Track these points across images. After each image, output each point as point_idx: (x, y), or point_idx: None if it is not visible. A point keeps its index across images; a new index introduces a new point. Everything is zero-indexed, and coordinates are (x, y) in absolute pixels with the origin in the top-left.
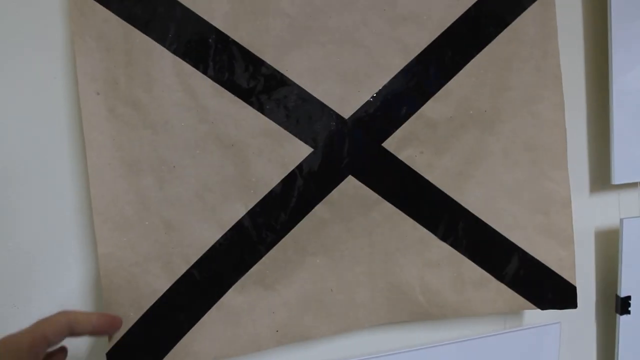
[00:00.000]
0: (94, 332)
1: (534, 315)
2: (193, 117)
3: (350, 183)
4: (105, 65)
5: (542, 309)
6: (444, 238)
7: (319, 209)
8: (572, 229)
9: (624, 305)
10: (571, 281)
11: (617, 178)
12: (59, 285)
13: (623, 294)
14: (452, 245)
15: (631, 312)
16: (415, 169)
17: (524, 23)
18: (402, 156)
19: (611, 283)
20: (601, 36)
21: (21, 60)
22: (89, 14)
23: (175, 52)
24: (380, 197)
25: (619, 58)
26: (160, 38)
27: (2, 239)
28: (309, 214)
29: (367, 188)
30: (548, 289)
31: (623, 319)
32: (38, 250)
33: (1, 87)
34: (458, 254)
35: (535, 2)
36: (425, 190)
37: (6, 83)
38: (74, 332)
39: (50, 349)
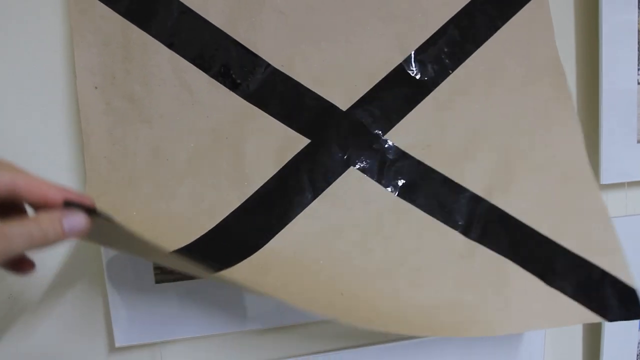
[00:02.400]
0: (39, 204)
1: None
2: (188, 111)
3: (353, 175)
4: (103, 60)
5: (609, 320)
6: (475, 238)
7: (318, 202)
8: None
9: None
10: (629, 283)
11: (605, 178)
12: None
13: None
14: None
15: None
16: (426, 163)
17: (519, 21)
18: (410, 150)
19: None
20: (592, 37)
21: (21, 55)
22: (87, 10)
23: (171, 48)
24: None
25: (609, 58)
26: (156, 34)
27: None
28: (307, 207)
29: (371, 179)
30: (610, 296)
31: None
32: None
33: (1, 81)
34: (496, 254)
35: (531, 1)
36: (441, 184)
37: (6, 77)
38: (17, 194)
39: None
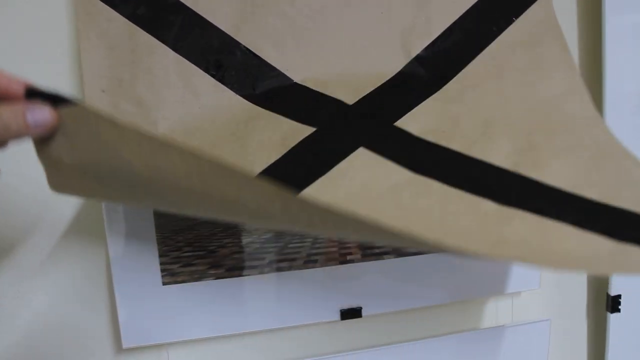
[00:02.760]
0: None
1: (525, 312)
2: (194, 114)
3: (363, 154)
4: (110, 64)
5: None
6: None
7: (326, 179)
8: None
9: (614, 304)
10: None
11: None
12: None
13: (614, 293)
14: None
15: (621, 310)
16: (442, 144)
17: (525, 22)
18: (423, 135)
19: (602, 282)
20: (595, 39)
21: (28, 59)
22: (94, 13)
23: (177, 51)
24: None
25: (613, 60)
26: (163, 37)
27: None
28: (314, 183)
29: (384, 158)
30: None
31: (613, 317)
32: (32, 245)
33: None
34: (541, 218)
35: (535, 3)
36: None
37: None
38: None
39: None
